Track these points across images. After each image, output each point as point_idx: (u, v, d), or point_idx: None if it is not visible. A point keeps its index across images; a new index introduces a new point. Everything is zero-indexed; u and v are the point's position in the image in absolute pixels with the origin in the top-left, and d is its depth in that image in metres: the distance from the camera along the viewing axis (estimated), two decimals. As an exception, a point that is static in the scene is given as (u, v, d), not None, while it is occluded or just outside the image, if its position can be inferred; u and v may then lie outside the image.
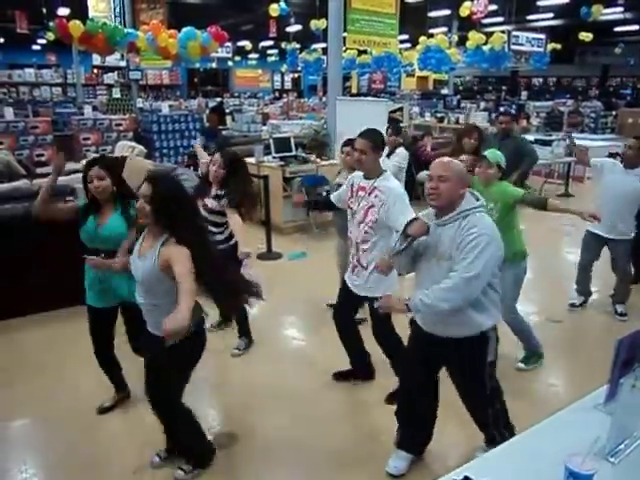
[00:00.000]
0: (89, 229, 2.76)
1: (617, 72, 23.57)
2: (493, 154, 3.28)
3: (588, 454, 1.35)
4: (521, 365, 3.62)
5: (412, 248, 2.34)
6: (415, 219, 2.34)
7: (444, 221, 2.27)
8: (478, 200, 2.30)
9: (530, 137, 8.69)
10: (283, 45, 18.73)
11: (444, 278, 2.21)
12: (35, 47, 21.70)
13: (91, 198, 2.76)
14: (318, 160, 7.10)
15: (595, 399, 1.83)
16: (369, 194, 2.91)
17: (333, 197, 3.41)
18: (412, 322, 2.60)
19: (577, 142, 6.07)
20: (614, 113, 14.51)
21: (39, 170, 6.72)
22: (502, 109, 13.80)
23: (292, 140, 7.18)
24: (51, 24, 9.40)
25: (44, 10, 14.18)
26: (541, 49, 13.34)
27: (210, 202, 3.47)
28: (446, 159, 2.37)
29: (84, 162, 7.05)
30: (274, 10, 12.76)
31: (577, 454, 1.35)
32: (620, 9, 14.77)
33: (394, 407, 2.73)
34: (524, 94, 22.03)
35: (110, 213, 2.76)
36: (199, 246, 2.23)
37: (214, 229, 3.47)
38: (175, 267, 2.13)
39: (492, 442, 2.46)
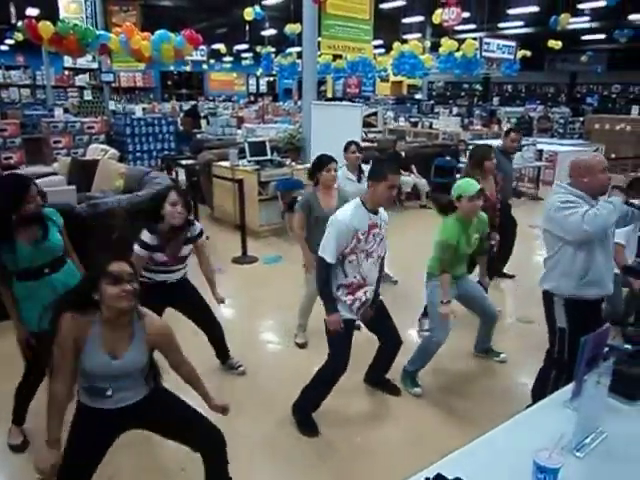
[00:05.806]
0: (24, 250, 2.53)
1: (584, 79, 24.21)
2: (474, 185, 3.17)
3: (555, 449, 1.40)
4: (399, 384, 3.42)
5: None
6: None
7: None
8: None
9: (501, 142, 8.85)
10: (258, 49, 18.70)
11: None
12: (2, 47, 21.18)
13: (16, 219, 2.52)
14: (293, 164, 7.11)
15: (563, 396, 1.89)
16: (381, 228, 2.87)
17: (329, 257, 2.75)
18: None
19: (547, 148, 6.10)
20: (581, 119, 14.88)
21: (7, 173, 6.55)
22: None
23: (267, 144, 7.16)
24: (20, 24, 9.21)
25: (12, 10, 13.86)
26: (511, 56, 13.60)
27: (186, 250, 3.15)
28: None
29: (55, 165, 6.91)
30: (249, 14, 12.75)
31: (544, 449, 1.40)
32: (587, 18, 15.24)
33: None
34: (496, 100, 22.50)
35: (37, 226, 2.58)
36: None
37: (182, 268, 3.21)
38: (172, 344, 2.20)
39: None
